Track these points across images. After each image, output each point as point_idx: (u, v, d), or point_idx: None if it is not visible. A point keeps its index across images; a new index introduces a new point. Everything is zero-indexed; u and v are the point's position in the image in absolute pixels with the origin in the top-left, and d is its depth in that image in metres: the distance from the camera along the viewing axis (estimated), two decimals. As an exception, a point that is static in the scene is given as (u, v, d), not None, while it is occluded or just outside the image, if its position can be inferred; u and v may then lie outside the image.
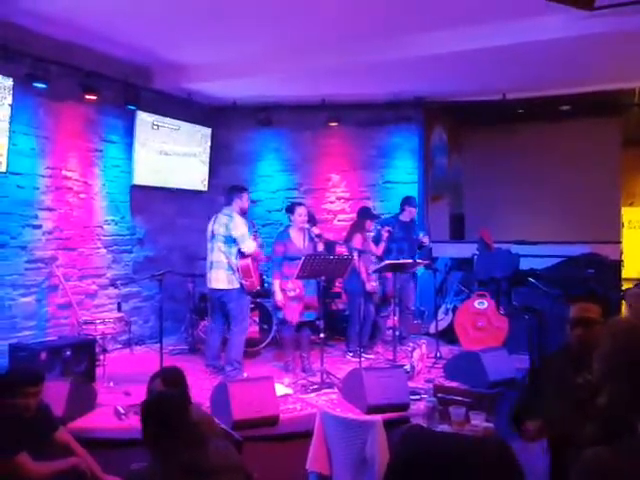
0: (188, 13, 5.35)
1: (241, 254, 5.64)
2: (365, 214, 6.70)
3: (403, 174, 8.31)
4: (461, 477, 1.52)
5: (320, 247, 5.89)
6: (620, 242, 9.09)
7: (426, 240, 6.92)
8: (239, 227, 5.63)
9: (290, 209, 5.99)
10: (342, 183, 8.49)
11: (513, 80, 7.05)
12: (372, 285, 6.45)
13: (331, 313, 7.39)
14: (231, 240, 5.62)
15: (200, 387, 5.01)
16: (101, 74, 6.36)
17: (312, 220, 6.52)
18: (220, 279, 5.66)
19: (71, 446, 3.31)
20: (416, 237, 6.88)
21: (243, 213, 5.81)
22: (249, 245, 5.64)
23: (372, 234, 6.81)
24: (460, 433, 3.07)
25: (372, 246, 6.65)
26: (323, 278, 5.51)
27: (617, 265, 8.02)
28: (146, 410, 2.40)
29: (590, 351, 2.20)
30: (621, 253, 8.85)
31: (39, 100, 5.99)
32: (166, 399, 2.49)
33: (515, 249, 7.51)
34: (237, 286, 5.63)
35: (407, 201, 7.01)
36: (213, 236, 5.72)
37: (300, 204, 6.14)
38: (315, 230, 5.91)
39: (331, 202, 8.50)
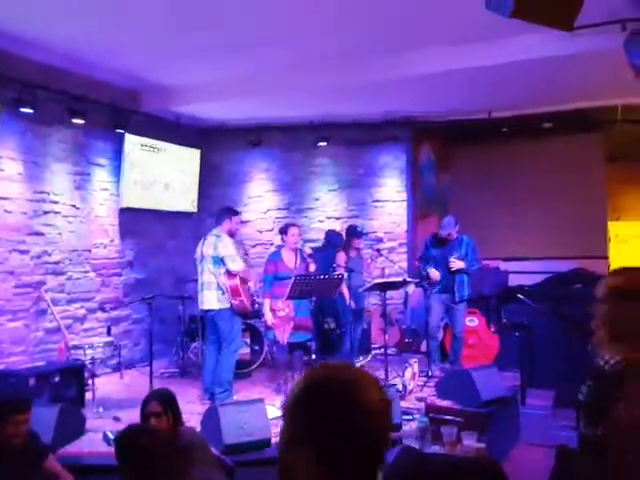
0: (174, 36, 5.40)
1: (229, 274, 5.64)
2: (350, 233, 6.85)
3: (392, 193, 8.36)
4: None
5: (312, 267, 5.90)
6: (607, 257, 9.16)
7: (457, 264, 6.18)
8: (227, 246, 5.62)
9: (283, 230, 6.04)
10: (332, 202, 8.53)
11: (497, 99, 7.15)
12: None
13: (323, 332, 7.37)
14: (219, 260, 5.60)
15: (191, 411, 4.96)
16: (88, 98, 6.37)
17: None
18: (211, 299, 5.64)
19: (60, 476, 3.27)
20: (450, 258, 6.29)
21: (231, 235, 5.80)
22: (237, 264, 5.63)
23: (369, 252, 6.91)
24: (452, 454, 3.06)
25: (366, 265, 6.75)
26: (314, 298, 5.52)
27: (605, 280, 8.06)
28: (121, 453, 2.36)
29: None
30: (608, 268, 8.91)
31: (26, 125, 5.98)
32: (135, 439, 2.45)
33: (504, 266, 7.54)
34: (227, 306, 5.61)
35: (442, 220, 6.70)
36: (203, 257, 5.70)
37: (293, 225, 6.20)
38: (307, 250, 5.93)
39: (320, 221, 8.52)
